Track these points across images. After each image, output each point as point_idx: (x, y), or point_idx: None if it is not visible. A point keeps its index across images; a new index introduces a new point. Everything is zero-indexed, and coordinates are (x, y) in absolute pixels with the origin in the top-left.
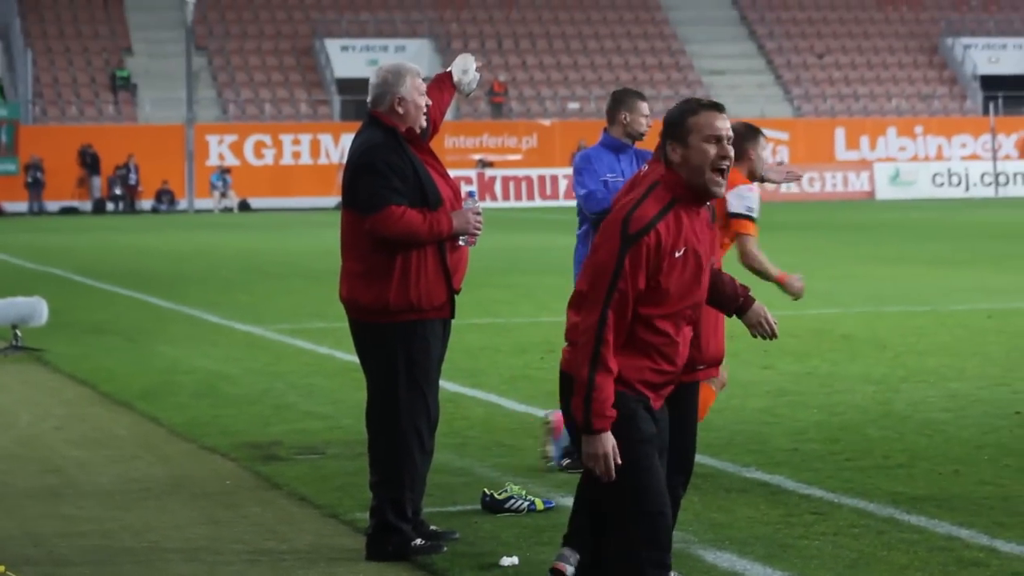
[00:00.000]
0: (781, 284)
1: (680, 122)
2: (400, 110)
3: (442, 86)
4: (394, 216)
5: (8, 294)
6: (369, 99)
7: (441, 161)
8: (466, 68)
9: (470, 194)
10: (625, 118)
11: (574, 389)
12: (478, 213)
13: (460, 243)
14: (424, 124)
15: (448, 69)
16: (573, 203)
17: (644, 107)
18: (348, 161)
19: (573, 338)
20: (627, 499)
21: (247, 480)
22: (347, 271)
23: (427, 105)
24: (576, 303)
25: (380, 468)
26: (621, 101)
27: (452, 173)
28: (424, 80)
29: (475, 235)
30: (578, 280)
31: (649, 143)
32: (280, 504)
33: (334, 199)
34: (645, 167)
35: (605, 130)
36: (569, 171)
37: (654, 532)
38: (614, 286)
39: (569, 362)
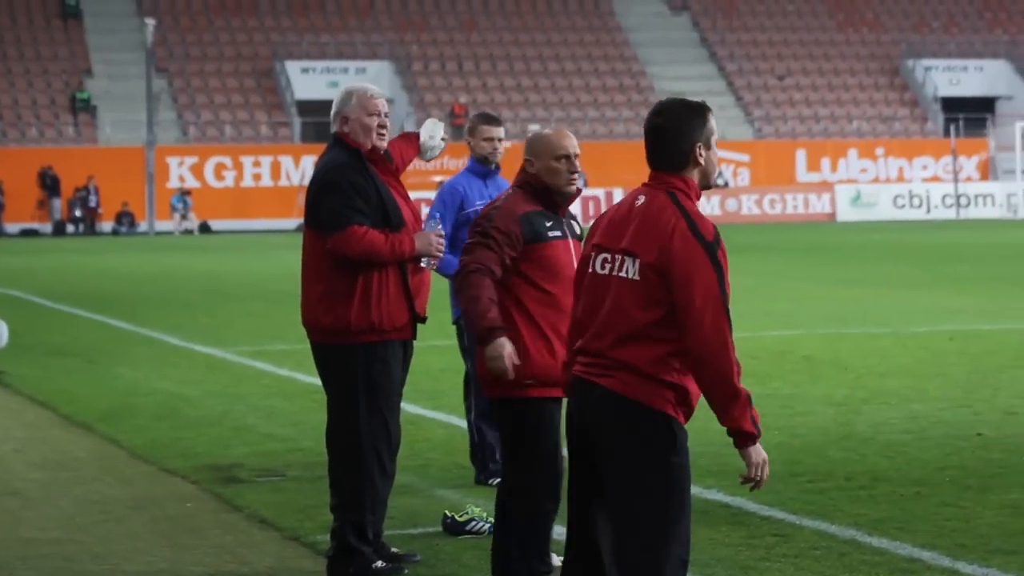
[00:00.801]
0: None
1: None
2: (346, 129)
3: (408, 142)
4: (356, 235)
5: None
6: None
7: (403, 184)
8: (433, 133)
9: (432, 215)
10: (470, 143)
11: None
12: (440, 235)
13: (422, 264)
14: (384, 145)
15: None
16: None
17: (487, 130)
18: (312, 181)
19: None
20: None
21: (208, 502)
22: (308, 292)
23: (380, 126)
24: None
25: (341, 490)
26: (469, 126)
27: (414, 195)
28: (385, 100)
29: (437, 257)
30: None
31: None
32: (241, 526)
33: (295, 221)
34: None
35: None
36: None
37: None
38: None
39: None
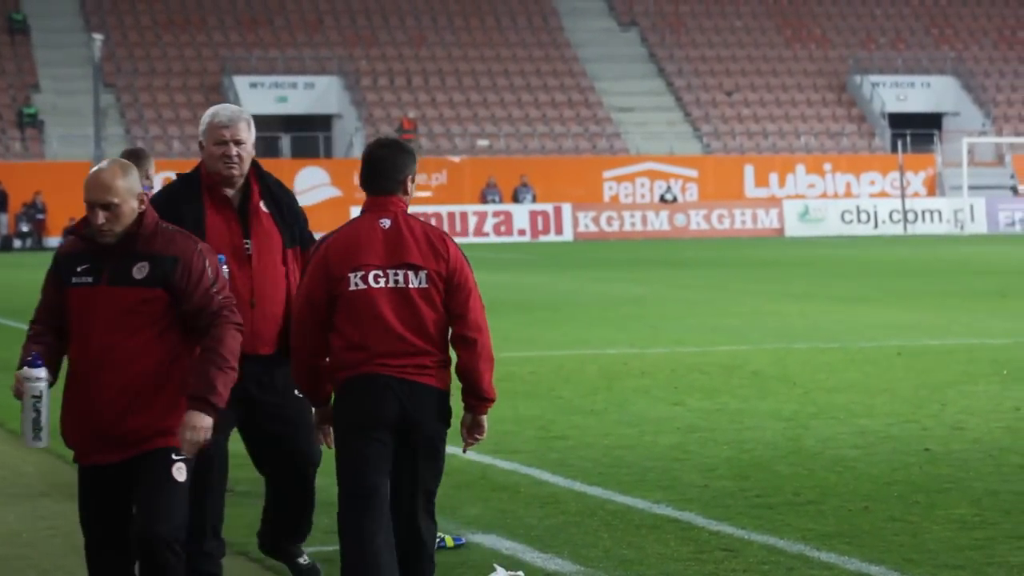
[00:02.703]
0: None
1: None
2: (203, 156)
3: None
4: None
5: None
6: None
7: (257, 222)
8: None
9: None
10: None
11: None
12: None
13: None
14: (235, 174)
15: None
16: (484, 239)
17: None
18: None
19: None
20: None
21: None
22: None
23: (225, 156)
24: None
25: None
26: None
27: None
28: (245, 123)
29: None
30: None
31: None
32: None
33: None
34: None
35: None
36: (479, 207)
37: None
38: None
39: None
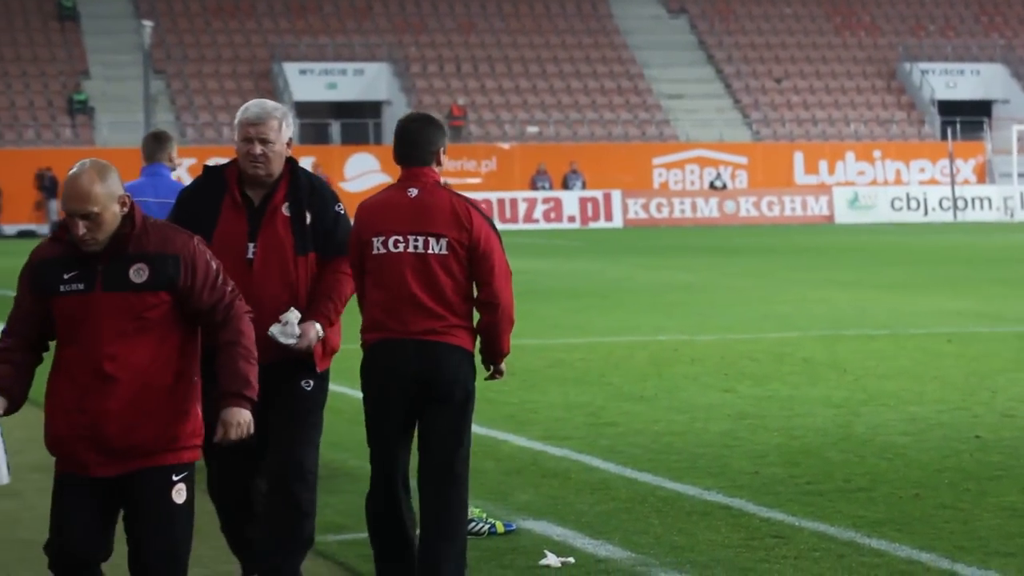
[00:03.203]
0: None
1: None
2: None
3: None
4: None
5: None
6: None
7: (270, 225)
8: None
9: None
10: None
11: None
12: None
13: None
14: (262, 175)
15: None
16: (533, 226)
17: None
18: None
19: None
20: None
21: (204, 503)
22: None
23: (250, 155)
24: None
25: None
26: None
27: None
28: (275, 121)
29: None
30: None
31: None
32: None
33: None
34: None
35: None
36: (529, 194)
37: None
38: None
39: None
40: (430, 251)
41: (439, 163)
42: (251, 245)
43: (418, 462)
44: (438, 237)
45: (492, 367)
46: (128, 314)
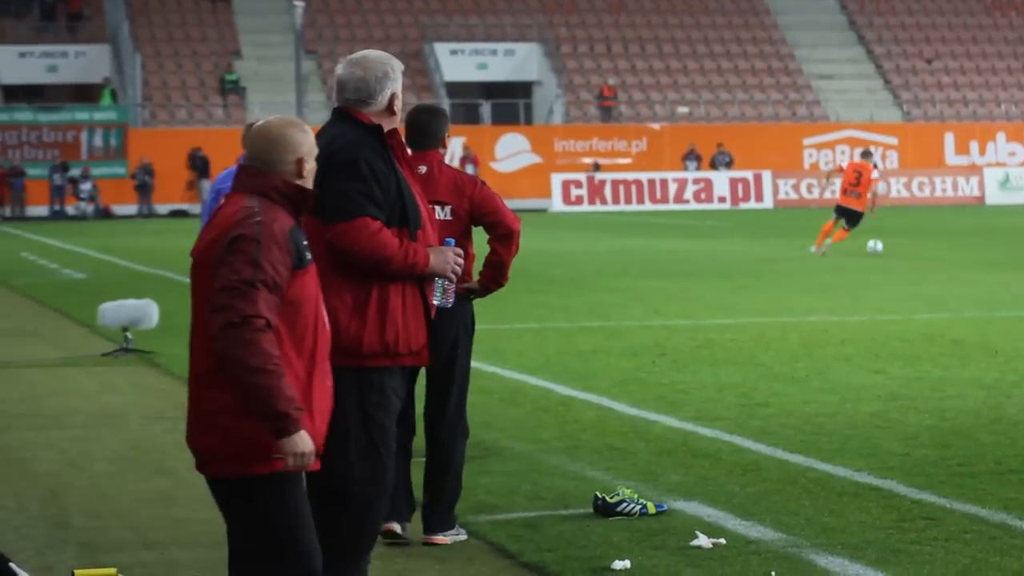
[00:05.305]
0: None
1: None
2: (396, 108)
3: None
4: (368, 230)
5: (119, 297)
6: (346, 93)
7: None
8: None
9: (447, 241)
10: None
11: None
12: (459, 254)
13: (434, 301)
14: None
15: None
16: (683, 207)
17: None
18: (320, 157)
19: None
20: None
21: None
22: None
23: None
24: None
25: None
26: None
27: (564, 177)
28: None
29: (452, 281)
30: None
31: None
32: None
33: None
34: None
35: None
36: (679, 174)
37: None
38: None
39: None
40: (436, 217)
41: (444, 146)
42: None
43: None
44: (443, 205)
45: (482, 288)
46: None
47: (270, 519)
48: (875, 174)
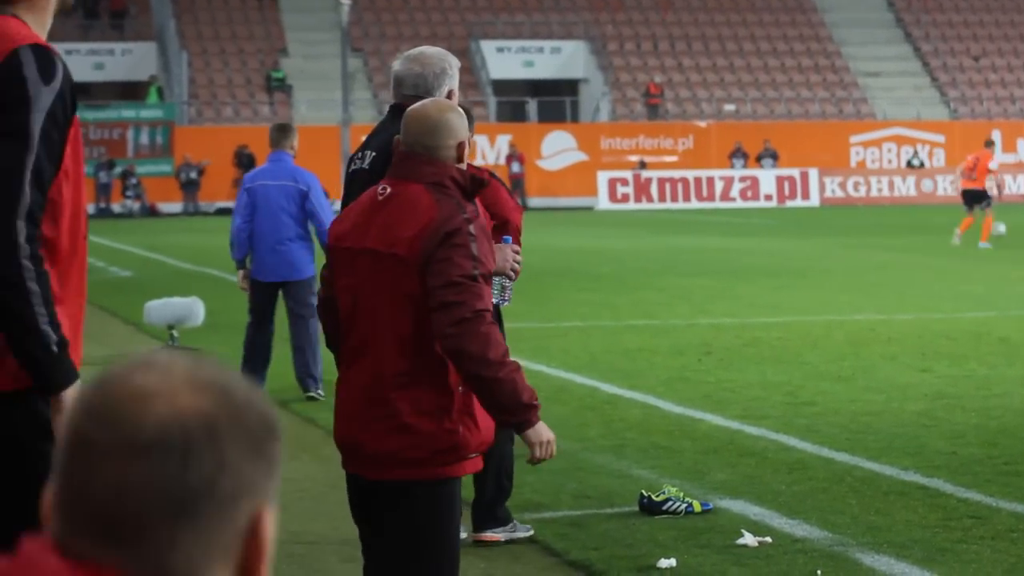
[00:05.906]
0: None
1: None
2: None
3: None
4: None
5: (164, 294)
6: (403, 89)
7: None
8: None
9: (504, 239)
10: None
11: None
12: (517, 251)
13: (493, 300)
14: None
15: None
16: (730, 204)
17: None
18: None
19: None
20: None
21: None
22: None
23: None
24: None
25: None
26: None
27: (610, 175)
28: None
29: (511, 279)
30: None
31: None
32: None
33: None
34: None
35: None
36: (726, 172)
37: None
38: None
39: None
40: None
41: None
42: None
43: None
44: None
45: None
46: None
47: (441, 522)
48: (992, 164)
